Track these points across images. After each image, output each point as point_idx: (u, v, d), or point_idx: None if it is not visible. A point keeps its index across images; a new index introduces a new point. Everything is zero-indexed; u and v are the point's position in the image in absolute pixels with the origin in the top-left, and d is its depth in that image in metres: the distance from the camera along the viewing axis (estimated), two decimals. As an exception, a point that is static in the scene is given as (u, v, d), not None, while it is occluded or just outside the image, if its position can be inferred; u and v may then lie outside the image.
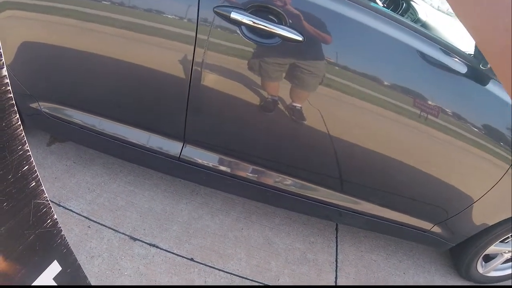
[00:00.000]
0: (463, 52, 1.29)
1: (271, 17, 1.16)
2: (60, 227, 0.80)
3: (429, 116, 1.26)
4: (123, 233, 1.57)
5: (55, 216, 0.79)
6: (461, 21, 0.26)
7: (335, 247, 1.83)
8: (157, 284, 1.43)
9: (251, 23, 1.14)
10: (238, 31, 1.16)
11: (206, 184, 1.72)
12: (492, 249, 1.73)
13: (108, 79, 1.39)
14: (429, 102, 1.25)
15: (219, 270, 1.55)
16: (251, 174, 1.52)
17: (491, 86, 1.28)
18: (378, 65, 1.23)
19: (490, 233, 1.63)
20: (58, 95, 1.50)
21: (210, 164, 1.50)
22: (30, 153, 0.69)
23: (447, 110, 1.27)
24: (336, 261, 1.76)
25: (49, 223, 0.76)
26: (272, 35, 1.16)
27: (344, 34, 1.20)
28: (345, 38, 1.21)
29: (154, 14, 1.19)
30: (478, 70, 1.27)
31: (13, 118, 0.64)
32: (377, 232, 1.90)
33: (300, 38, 1.15)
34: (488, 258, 1.85)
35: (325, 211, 1.60)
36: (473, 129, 1.30)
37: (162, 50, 1.24)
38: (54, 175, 1.73)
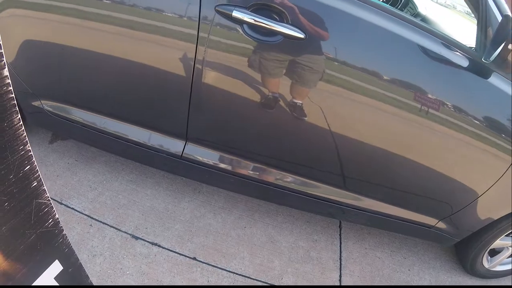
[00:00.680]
0: (464, 45, 1.28)
1: (273, 15, 1.15)
2: (61, 226, 0.79)
3: (430, 110, 1.25)
4: (125, 232, 1.56)
5: (57, 216, 0.78)
6: None
7: (338, 245, 1.82)
8: (159, 283, 1.42)
9: (252, 21, 1.13)
10: (240, 29, 1.15)
11: (208, 182, 1.71)
12: (497, 243, 1.71)
13: (110, 77, 1.38)
14: (430, 96, 1.24)
15: (222, 269, 1.55)
16: (253, 172, 1.51)
17: (493, 79, 1.26)
18: (379, 60, 1.21)
19: (496, 227, 1.61)
20: (60, 93, 1.49)
21: (212, 162, 1.49)
22: (32, 153, 0.68)
23: (448, 103, 1.25)
24: (340, 259, 1.75)
25: (50, 222, 0.75)
26: (273, 33, 1.15)
27: (344, 30, 1.19)
28: (346, 34, 1.19)
29: (156, 13, 1.18)
30: (479, 63, 1.26)
31: (14, 118, 0.63)
32: (381, 229, 1.89)
33: (302, 36, 1.14)
34: (493, 253, 1.84)
35: (328, 208, 1.59)
36: (475, 122, 1.29)
37: (164, 48, 1.23)
38: (56, 173, 1.73)
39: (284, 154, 1.47)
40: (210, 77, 1.25)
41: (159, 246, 1.55)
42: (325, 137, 1.34)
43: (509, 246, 1.78)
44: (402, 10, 2.07)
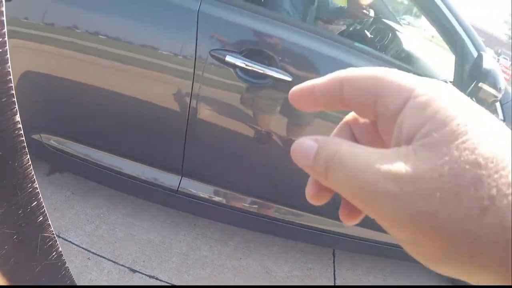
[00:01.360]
0: (442, 77, 1.38)
1: (263, 59, 1.24)
2: (64, 259, 0.83)
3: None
4: (122, 265, 1.59)
5: (60, 249, 0.82)
6: None
7: (332, 272, 1.84)
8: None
9: (244, 65, 1.22)
10: (233, 72, 1.24)
11: (204, 215, 1.75)
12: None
13: (108, 112, 1.45)
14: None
15: (218, 300, 1.56)
16: (248, 205, 1.56)
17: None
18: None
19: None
20: (58, 127, 1.55)
21: (208, 196, 1.54)
22: (39, 189, 0.74)
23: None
24: (335, 286, 1.77)
25: (54, 255, 0.79)
26: (264, 76, 1.25)
27: (329, 71, 1.28)
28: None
29: (153, 51, 1.27)
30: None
31: (24, 159, 0.69)
32: (372, 255, 1.92)
33: (289, 79, 1.23)
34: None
35: (321, 237, 1.63)
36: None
37: (161, 84, 1.31)
38: (53, 205, 1.76)
39: (275, 187, 1.53)
40: (205, 113, 1.33)
41: (157, 278, 1.57)
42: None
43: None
44: (389, 45, 2.19)
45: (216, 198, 1.55)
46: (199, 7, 1.22)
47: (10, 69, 0.37)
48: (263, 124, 1.36)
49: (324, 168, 0.19)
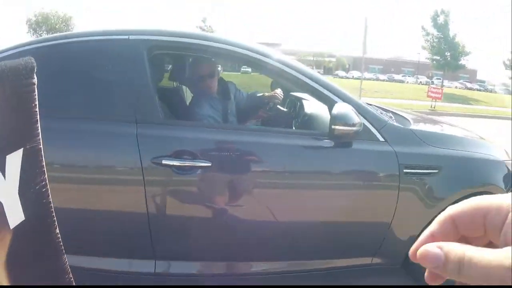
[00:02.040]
0: None
1: (188, 156, 1.70)
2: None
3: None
4: None
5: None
6: None
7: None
8: None
9: (177, 163, 1.67)
10: (171, 170, 1.67)
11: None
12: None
13: (83, 222, 1.72)
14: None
15: None
16: (223, 270, 1.92)
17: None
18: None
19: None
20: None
21: (184, 271, 1.85)
22: None
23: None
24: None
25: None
26: (192, 167, 1.70)
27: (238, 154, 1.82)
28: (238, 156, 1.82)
29: (105, 168, 1.70)
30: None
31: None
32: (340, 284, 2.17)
33: (209, 164, 1.69)
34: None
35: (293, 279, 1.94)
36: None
37: (119, 192, 1.74)
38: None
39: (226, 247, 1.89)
40: (159, 204, 1.74)
41: None
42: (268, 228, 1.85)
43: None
44: (299, 113, 2.65)
45: (192, 271, 1.87)
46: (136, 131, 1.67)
47: None
48: (212, 202, 1.78)
49: (457, 267, 0.24)
